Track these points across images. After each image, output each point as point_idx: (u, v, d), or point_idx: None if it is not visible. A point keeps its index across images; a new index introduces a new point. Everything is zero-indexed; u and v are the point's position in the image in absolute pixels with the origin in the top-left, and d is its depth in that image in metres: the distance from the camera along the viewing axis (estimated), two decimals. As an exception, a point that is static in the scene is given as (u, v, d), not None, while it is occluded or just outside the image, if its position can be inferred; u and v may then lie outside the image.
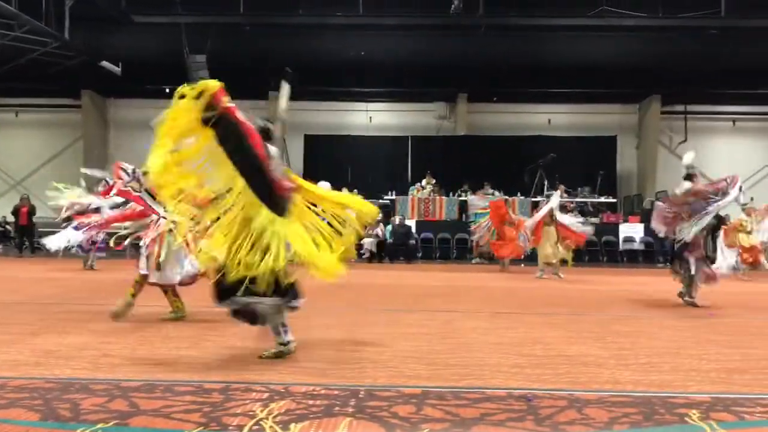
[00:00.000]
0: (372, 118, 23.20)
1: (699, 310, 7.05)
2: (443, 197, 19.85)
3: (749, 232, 12.73)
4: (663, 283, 10.97)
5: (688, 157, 8.24)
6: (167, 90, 21.00)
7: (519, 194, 19.57)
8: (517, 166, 20.48)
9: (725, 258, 11.98)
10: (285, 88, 4.47)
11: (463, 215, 19.41)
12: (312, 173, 21.61)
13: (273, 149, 4.06)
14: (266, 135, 4.16)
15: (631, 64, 18.79)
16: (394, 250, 17.49)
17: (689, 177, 7.78)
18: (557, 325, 5.69)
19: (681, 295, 7.54)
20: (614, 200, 20.70)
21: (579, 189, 20.83)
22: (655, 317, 6.42)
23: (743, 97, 21.58)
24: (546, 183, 19.93)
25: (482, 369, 3.70)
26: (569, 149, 21.25)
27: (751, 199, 13.41)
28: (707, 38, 18.36)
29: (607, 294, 9.18)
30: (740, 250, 12.52)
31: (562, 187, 12.85)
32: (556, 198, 12.65)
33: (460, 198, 19.95)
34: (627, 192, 22.26)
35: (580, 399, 3.03)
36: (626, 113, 22.96)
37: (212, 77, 15.93)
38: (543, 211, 12.34)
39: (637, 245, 18.95)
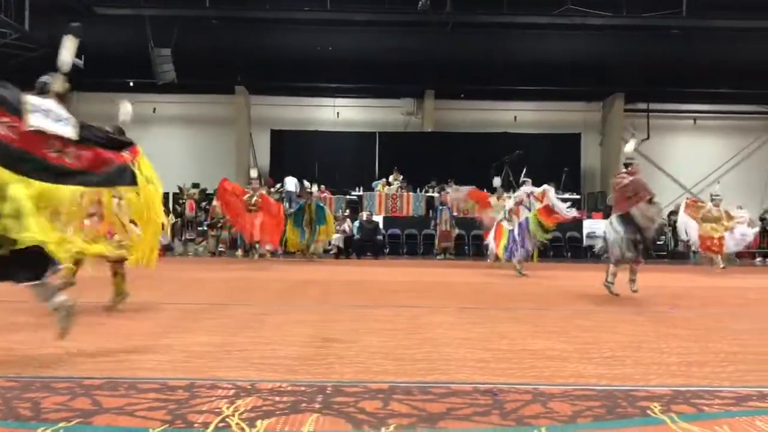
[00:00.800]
0: (339, 113, 23.16)
1: (660, 304, 7.18)
2: (410, 193, 19.91)
3: (717, 221, 12.90)
4: (625, 278, 11.17)
5: (628, 147, 8.42)
6: (131, 83, 20.72)
7: (485, 191, 19.71)
8: (483, 162, 20.63)
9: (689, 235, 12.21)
10: (69, 41, 4.29)
11: (431, 211, 19.49)
12: (278, 169, 21.55)
13: (46, 103, 3.70)
14: (42, 89, 3.99)
15: (595, 62, 19.06)
16: (361, 246, 17.50)
17: (626, 166, 7.99)
18: (522, 320, 5.76)
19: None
20: (578, 197, 20.99)
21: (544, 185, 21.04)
22: (617, 312, 6.53)
23: (704, 95, 22.04)
24: (512, 179, 20.09)
25: (448, 364, 3.73)
26: (535, 146, 21.49)
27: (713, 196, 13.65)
28: (669, 38, 18.72)
29: (571, 289, 9.30)
30: (703, 239, 12.72)
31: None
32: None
33: (428, 194, 20.03)
34: (591, 188, 22.61)
35: (545, 393, 3.07)
36: (590, 111, 23.29)
37: (178, 71, 15.84)
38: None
39: (600, 241, 19.18)
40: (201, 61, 19.13)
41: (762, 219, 20.18)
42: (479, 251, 18.77)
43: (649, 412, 2.76)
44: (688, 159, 22.79)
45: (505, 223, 11.82)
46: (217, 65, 19.92)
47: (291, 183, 20.00)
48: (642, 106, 22.90)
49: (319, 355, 3.96)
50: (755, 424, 2.61)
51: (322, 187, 20.46)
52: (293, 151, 22.03)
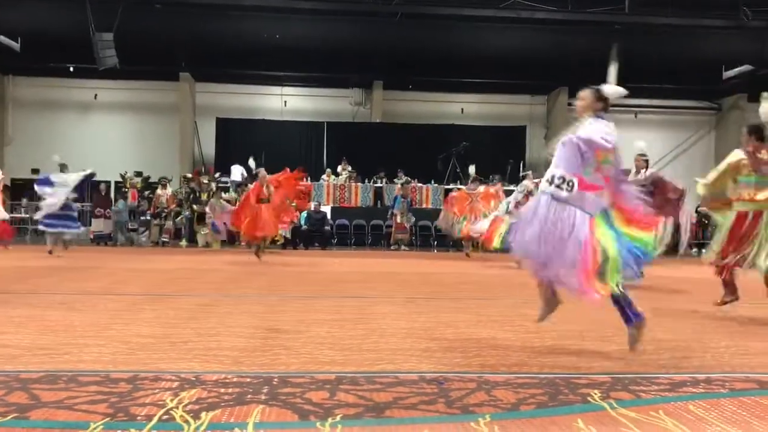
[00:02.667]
0: (287, 102, 22.95)
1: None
2: (359, 184, 19.89)
3: None
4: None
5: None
6: (71, 68, 20.10)
7: (433, 182, 19.88)
8: (431, 153, 20.76)
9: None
10: None
11: (379, 202, 19.53)
12: (224, 157, 21.23)
13: None
14: None
15: (540, 56, 19.35)
16: (308, 236, 17.43)
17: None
18: (468, 309, 5.83)
19: None
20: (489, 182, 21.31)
21: (490, 177, 21.33)
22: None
23: (645, 91, 22.62)
24: (459, 171, 20.32)
25: (395, 354, 3.75)
26: (481, 138, 21.74)
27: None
28: (612, 33, 19.10)
29: (516, 278, 9.46)
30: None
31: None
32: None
33: (376, 185, 20.05)
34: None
35: (489, 381, 3.12)
36: (535, 104, 23.67)
37: (120, 56, 15.41)
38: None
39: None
40: (144, 46, 18.67)
41: (697, 211, 20.87)
42: (427, 242, 18.94)
43: (589, 398, 2.83)
44: (629, 153, 23.25)
45: (507, 217, 11.88)
46: (161, 51, 19.49)
47: (237, 172, 19.75)
48: (585, 99, 23.38)
49: (266, 346, 3.93)
50: (689, 408, 2.70)
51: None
52: (239, 140, 21.73)
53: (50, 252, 11.43)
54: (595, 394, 2.91)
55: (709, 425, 2.49)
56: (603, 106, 4.35)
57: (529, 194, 11.74)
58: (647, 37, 18.97)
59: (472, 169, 16.34)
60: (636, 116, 23.77)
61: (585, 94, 4.21)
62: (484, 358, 3.70)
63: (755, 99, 21.19)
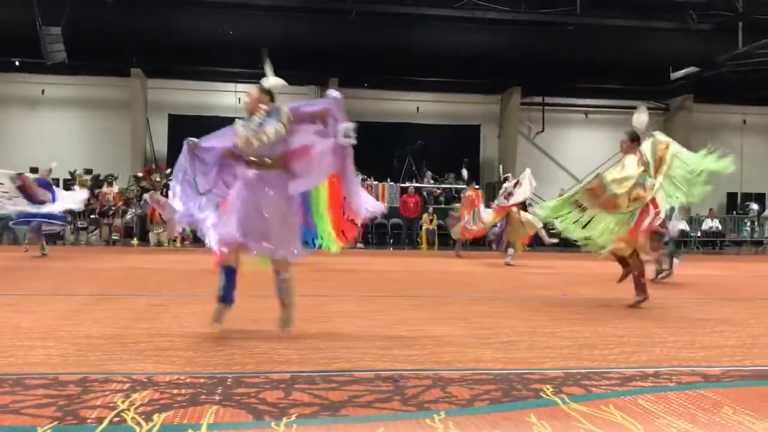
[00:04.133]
0: (241, 99, 22.69)
1: (554, 291, 7.49)
2: (314, 182, 19.80)
3: None
4: (521, 265, 11.58)
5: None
6: (17, 63, 19.51)
7: (389, 180, 19.93)
8: (387, 152, 20.80)
9: None
10: None
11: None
12: (177, 155, 20.76)
13: None
14: None
15: (494, 55, 19.55)
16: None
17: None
18: (423, 306, 5.86)
19: None
20: (477, 187, 21.50)
21: (445, 175, 21.53)
22: (514, 298, 6.76)
23: (596, 91, 23.10)
24: (414, 169, 20.44)
25: (351, 352, 3.75)
26: (436, 137, 21.89)
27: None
28: (564, 34, 19.44)
29: (470, 276, 9.56)
30: None
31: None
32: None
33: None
34: (489, 179, 23.25)
35: (444, 378, 3.14)
36: (489, 103, 23.90)
37: (69, 51, 15.06)
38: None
39: (497, 229, 19.80)
40: (94, 41, 18.22)
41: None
42: (383, 240, 19.00)
43: (542, 394, 2.88)
44: (579, 151, 23.80)
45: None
46: (112, 46, 19.05)
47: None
48: (538, 99, 23.72)
49: (220, 346, 3.89)
50: (638, 402, 2.77)
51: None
52: (192, 137, 21.39)
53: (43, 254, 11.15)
54: (548, 389, 2.95)
55: (657, 418, 2.55)
56: (269, 98, 4.75)
57: (509, 195, 12.09)
58: (598, 38, 19.34)
59: (464, 173, 16.52)
60: (587, 116, 24.22)
61: (253, 92, 4.75)
62: (440, 355, 3.72)
63: (701, 99, 21.92)
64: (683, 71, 20.37)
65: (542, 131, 23.75)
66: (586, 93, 23.39)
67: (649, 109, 25.88)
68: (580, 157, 23.74)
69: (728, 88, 21.73)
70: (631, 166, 5.99)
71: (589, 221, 6.13)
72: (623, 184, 5.91)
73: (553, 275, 9.76)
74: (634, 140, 6.17)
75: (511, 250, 11.72)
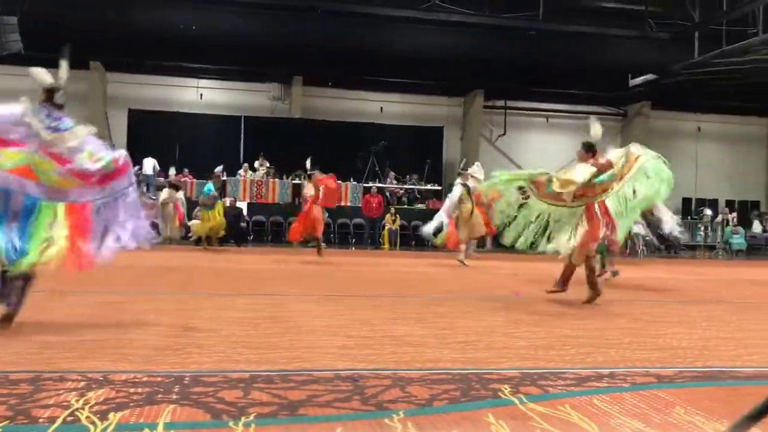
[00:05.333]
0: (203, 95, 22.47)
1: (509, 291, 7.58)
2: (276, 180, 19.70)
3: None
4: (480, 266, 11.69)
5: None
6: (-29, 53, 18.95)
7: (352, 179, 19.91)
8: (350, 151, 20.79)
9: None
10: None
11: (297, 198, 19.40)
12: (137, 150, 20.48)
13: None
14: None
15: (458, 58, 19.69)
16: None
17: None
18: (383, 307, 5.88)
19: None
20: (440, 188, 21.65)
21: (408, 176, 21.61)
22: (471, 298, 6.82)
23: (556, 96, 23.44)
24: (378, 169, 20.47)
25: (311, 352, 3.74)
26: (400, 137, 21.96)
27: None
28: (527, 39, 19.66)
29: (431, 276, 9.61)
30: None
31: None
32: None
33: (294, 181, 19.92)
34: (451, 180, 23.30)
35: (404, 378, 3.15)
36: (452, 105, 24.07)
37: (25, 42, 14.59)
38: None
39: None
40: (52, 32, 17.81)
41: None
42: (345, 239, 18.99)
43: (500, 393, 2.91)
44: (540, 155, 24.07)
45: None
46: (70, 38, 18.58)
47: (149, 165, 19.20)
48: (500, 103, 23.96)
49: (178, 344, 3.84)
50: (593, 402, 2.82)
51: (185, 170, 19.80)
52: (153, 133, 21.08)
53: None
54: (506, 389, 2.99)
55: (612, 418, 2.61)
56: (48, 96, 4.84)
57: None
58: (559, 44, 19.61)
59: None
60: (548, 120, 24.55)
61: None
62: (400, 354, 3.74)
63: (658, 106, 22.35)
64: (641, 78, 20.80)
65: (504, 134, 24.00)
66: (547, 98, 23.72)
67: (607, 114, 26.50)
68: (540, 161, 23.92)
69: (684, 95, 22.26)
70: (579, 172, 6.31)
71: (523, 205, 6.61)
72: (566, 187, 6.26)
73: (509, 276, 9.87)
74: (588, 151, 6.53)
75: (463, 246, 11.73)
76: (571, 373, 3.37)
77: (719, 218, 22.58)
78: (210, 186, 15.07)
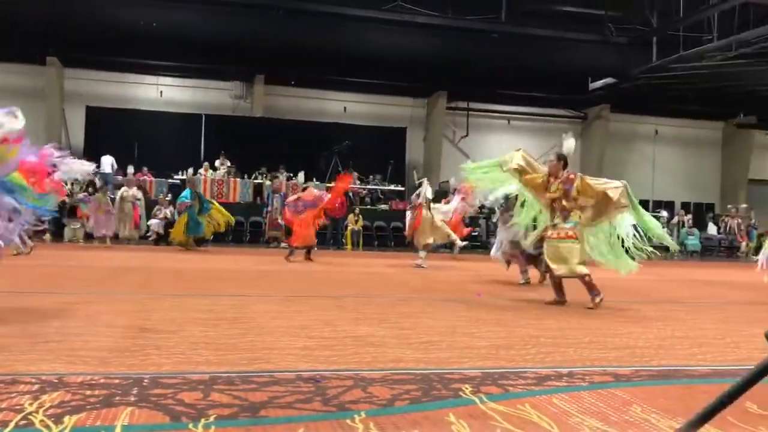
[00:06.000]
0: (163, 92, 22.16)
1: (470, 292, 7.64)
2: (238, 179, 19.52)
3: None
4: (443, 266, 11.76)
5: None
6: None
7: (314, 179, 19.81)
8: (313, 151, 20.73)
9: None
10: None
11: (258, 198, 19.26)
12: (94, 148, 20.15)
13: None
14: None
15: (421, 59, 19.80)
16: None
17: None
18: (346, 307, 5.87)
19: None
20: (403, 188, 21.73)
21: (371, 177, 21.62)
22: (434, 299, 6.85)
23: (518, 98, 23.71)
24: (341, 169, 20.42)
25: (272, 352, 3.71)
26: (363, 138, 21.96)
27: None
28: (489, 41, 19.86)
29: (394, 277, 9.62)
30: None
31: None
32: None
33: (256, 181, 19.77)
34: (414, 181, 23.52)
35: (366, 378, 3.15)
36: (416, 106, 24.18)
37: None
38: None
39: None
40: (7, 26, 17.41)
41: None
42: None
43: (461, 393, 2.93)
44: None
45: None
46: (27, 32, 18.22)
47: (107, 163, 18.86)
48: (462, 104, 24.13)
49: (136, 345, 3.78)
50: (552, 401, 2.85)
51: (144, 169, 19.50)
52: (111, 130, 20.73)
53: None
54: (467, 388, 3.00)
55: (570, 417, 2.64)
56: None
57: (417, 196, 12.26)
58: (521, 46, 19.85)
59: (452, 181, 16.68)
60: (509, 122, 24.82)
61: None
62: (362, 355, 3.73)
63: (617, 110, 22.77)
64: (601, 82, 21.17)
65: (466, 136, 24.18)
66: (509, 100, 23.97)
67: (568, 117, 26.98)
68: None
69: (642, 99, 22.72)
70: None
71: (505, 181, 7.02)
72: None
73: (472, 277, 9.94)
74: (560, 161, 6.73)
75: (422, 253, 11.77)
76: (532, 373, 3.41)
77: (675, 220, 23.08)
78: (187, 193, 14.86)
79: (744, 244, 22.40)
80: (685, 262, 19.05)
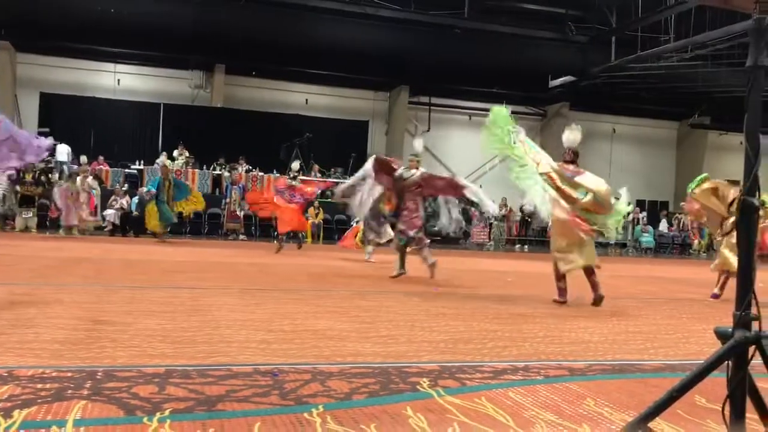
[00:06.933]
0: (120, 80, 21.72)
1: (428, 286, 7.68)
2: (196, 170, 19.26)
3: None
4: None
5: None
6: None
7: (275, 171, 19.69)
8: (273, 142, 20.55)
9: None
10: None
11: (217, 189, 19.04)
12: (48, 136, 19.60)
13: None
14: None
15: (384, 53, 19.79)
16: (139, 223, 16.60)
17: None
18: (305, 300, 5.85)
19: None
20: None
21: (332, 170, 21.54)
22: (393, 293, 6.87)
23: (479, 94, 23.86)
24: (302, 162, 20.27)
25: (229, 346, 3.68)
26: (325, 130, 21.86)
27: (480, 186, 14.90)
28: (452, 37, 19.94)
29: (352, 270, 9.62)
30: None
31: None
32: None
33: (215, 172, 19.52)
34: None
35: (324, 372, 3.15)
36: (378, 100, 24.17)
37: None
38: None
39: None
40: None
41: (521, 210, 22.35)
42: (267, 232, 18.72)
43: (418, 387, 2.95)
44: (462, 152, 24.51)
45: None
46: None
47: (63, 152, 18.42)
48: (425, 99, 24.20)
49: (90, 338, 3.71)
50: (508, 395, 2.89)
51: (101, 158, 19.11)
52: (66, 118, 20.25)
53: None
54: (424, 382, 3.02)
55: (526, 410, 2.68)
56: None
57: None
58: (483, 43, 19.97)
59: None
60: (470, 118, 24.97)
61: None
62: (320, 349, 3.73)
63: (576, 108, 23.06)
64: (560, 80, 21.45)
65: (428, 130, 24.25)
66: (470, 96, 24.10)
67: (528, 114, 27.16)
68: (462, 158, 24.45)
69: (601, 98, 23.09)
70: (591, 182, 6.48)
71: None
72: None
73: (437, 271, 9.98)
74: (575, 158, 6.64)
75: (370, 248, 11.75)
76: (489, 367, 3.45)
77: (630, 217, 23.54)
78: (156, 180, 14.89)
79: (696, 242, 22.96)
80: (640, 259, 19.47)
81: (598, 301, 6.48)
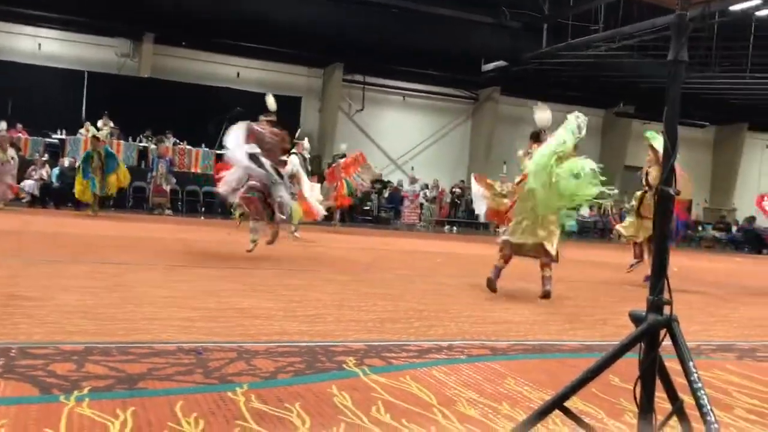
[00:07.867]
0: (41, 45, 20.74)
1: (360, 266, 7.71)
2: (122, 142, 18.64)
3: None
4: (331, 239, 11.79)
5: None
6: None
7: (203, 145, 19.27)
8: (202, 116, 20.06)
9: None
10: None
11: (143, 162, 18.50)
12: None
13: None
14: None
15: (318, 29, 19.53)
16: (60, 195, 16.01)
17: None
18: (232, 278, 5.78)
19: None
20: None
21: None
22: (323, 272, 6.87)
23: (413, 75, 23.93)
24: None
25: (152, 323, 3.61)
26: (256, 105, 21.41)
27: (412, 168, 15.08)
28: (388, 16, 19.85)
29: (283, 249, 9.55)
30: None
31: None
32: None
33: (141, 144, 18.95)
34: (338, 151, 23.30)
35: (249, 350, 3.13)
36: (312, 77, 23.92)
37: None
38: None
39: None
40: None
41: (452, 192, 22.65)
42: (194, 208, 18.37)
43: (344, 366, 2.97)
44: (395, 132, 24.60)
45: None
46: None
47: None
48: (359, 78, 24.09)
49: (4, 314, 3.57)
50: (432, 373, 2.95)
51: (19, 126, 18.25)
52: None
53: None
54: (350, 361, 3.05)
55: (449, 388, 2.73)
56: None
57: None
58: (419, 24, 19.96)
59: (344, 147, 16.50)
60: (404, 99, 25.05)
61: None
62: (246, 327, 3.70)
63: (507, 92, 23.36)
64: (493, 64, 21.72)
65: (362, 109, 24.20)
66: (404, 76, 24.14)
67: (460, 97, 27.41)
68: (395, 138, 24.55)
69: (531, 84, 23.49)
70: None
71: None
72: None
73: (360, 250, 10.03)
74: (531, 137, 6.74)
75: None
76: (414, 346, 3.50)
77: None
78: (88, 152, 14.51)
79: (617, 226, 23.74)
80: (563, 243, 20.01)
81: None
